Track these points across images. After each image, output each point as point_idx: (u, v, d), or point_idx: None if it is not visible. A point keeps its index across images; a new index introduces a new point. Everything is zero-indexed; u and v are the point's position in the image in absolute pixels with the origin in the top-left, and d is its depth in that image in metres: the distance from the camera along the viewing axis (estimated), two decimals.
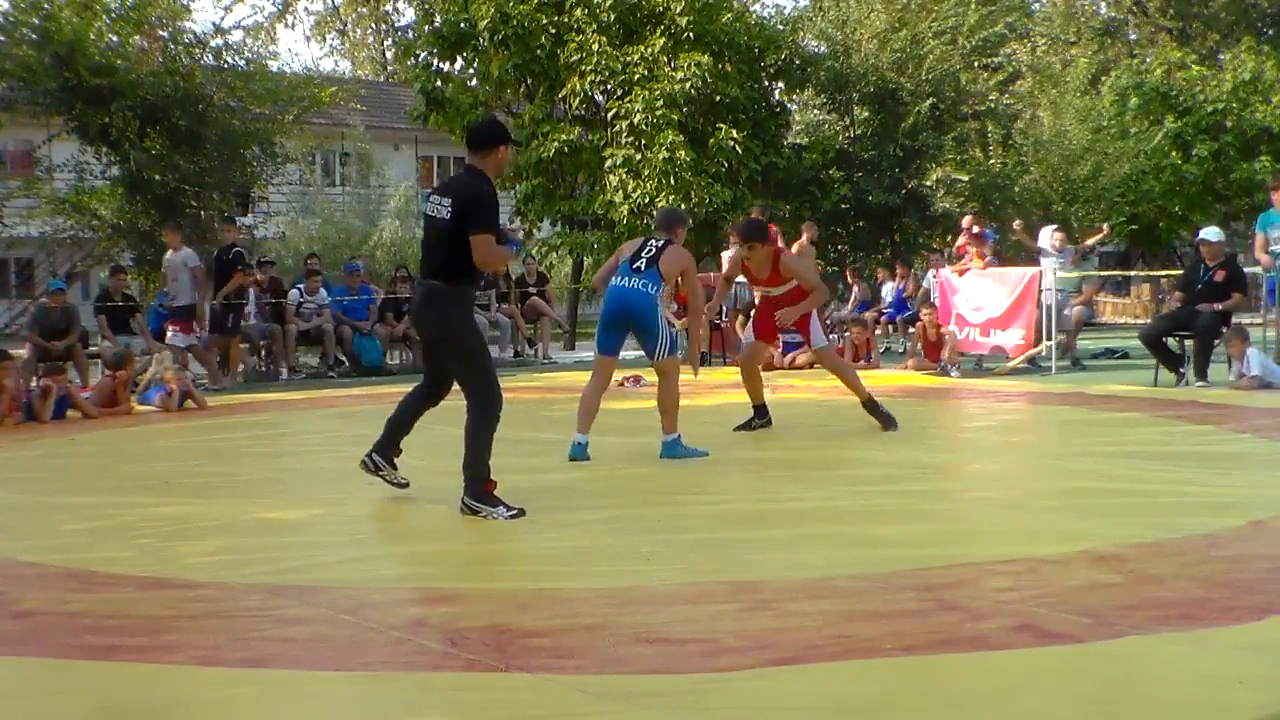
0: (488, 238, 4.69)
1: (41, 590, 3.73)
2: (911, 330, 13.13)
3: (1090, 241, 14.80)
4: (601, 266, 6.90)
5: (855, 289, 14.81)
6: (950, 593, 3.37)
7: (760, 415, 7.29)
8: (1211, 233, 9.95)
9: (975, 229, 13.46)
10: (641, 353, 6.62)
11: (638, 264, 6.21)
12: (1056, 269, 11.59)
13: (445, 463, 6.24)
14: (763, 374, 7.67)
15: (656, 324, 6.14)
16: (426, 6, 18.45)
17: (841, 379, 7.30)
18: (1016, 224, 13.80)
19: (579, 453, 6.05)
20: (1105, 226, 15.40)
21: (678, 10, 16.50)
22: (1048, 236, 12.24)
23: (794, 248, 13.84)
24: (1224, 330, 9.64)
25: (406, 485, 5.16)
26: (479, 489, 4.72)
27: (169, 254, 11.97)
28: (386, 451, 5.09)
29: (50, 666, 2.94)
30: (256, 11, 47.86)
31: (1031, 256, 13.27)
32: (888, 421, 7.03)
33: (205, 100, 16.31)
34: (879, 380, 10.95)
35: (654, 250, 6.23)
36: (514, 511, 4.67)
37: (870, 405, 7.11)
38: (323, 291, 13.46)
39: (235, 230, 12.86)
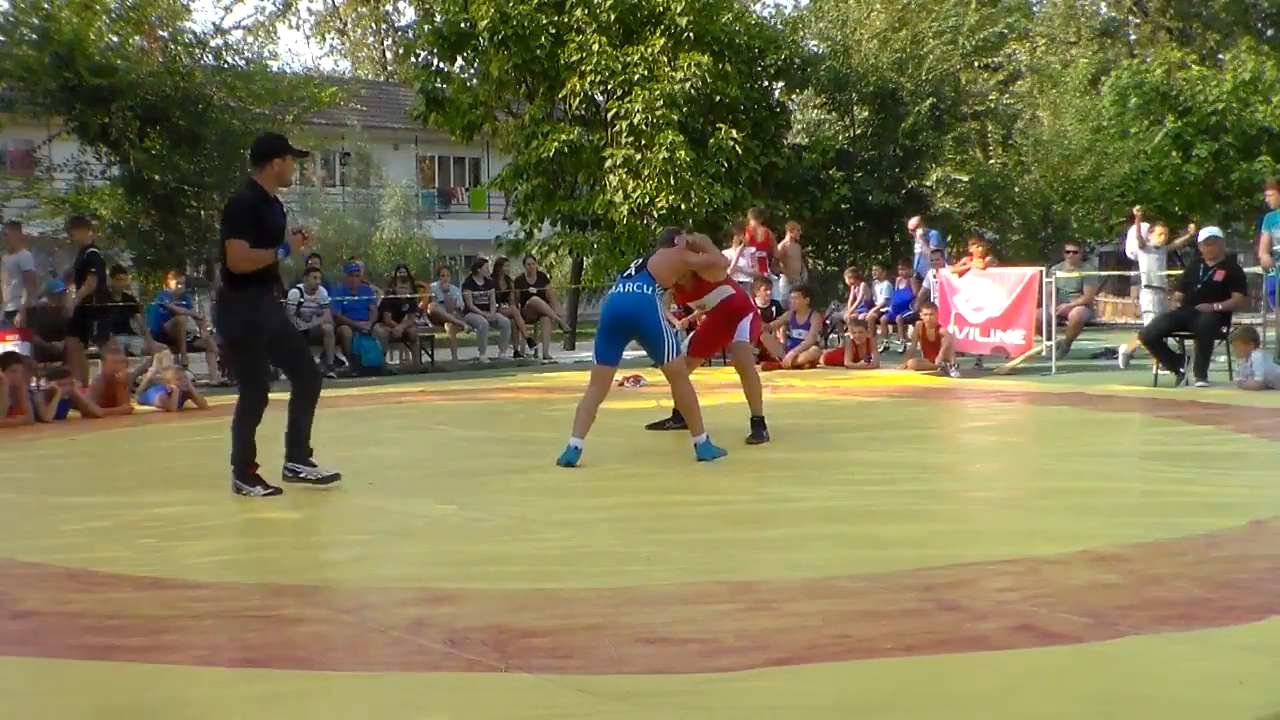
0: (236, 242, 5.11)
1: (41, 590, 3.73)
2: (910, 330, 13.13)
3: (1178, 241, 14.70)
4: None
5: (857, 289, 14.78)
6: (950, 593, 3.37)
7: (676, 419, 7.05)
8: (1211, 233, 9.95)
9: (919, 230, 13.72)
10: (641, 352, 6.60)
11: (629, 272, 6.33)
12: (1156, 266, 11.57)
13: (447, 463, 6.26)
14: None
15: (658, 325, 6.09)
16: (426, 6, 18.46)
17: (744, 382, 6.90)
18: (1189, 228, 13.40)
19: (571, 457, 5.88)
20: (1191, 226, 15.28)
21: (678, 10, 16.49)
22: (1148, 230, 12.14)
23: (780, 245, 13.94)
24: (1224, 330, 9.63)
25: (337, 477, 5.40)
26: (243, 472, 5.24)
27: (7, 255, 11.34)
28: (299, 457, 5.40)
29: (50, 666, 2.94)
30: (258, 12, 47.89)
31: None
32: (761, 438, 6.69)
33: (205, 100, 16.30)
34: (879, 380, 10.96)
35: (643, 259, 6.35)
36: (270, 490, 5.19)
37: (757, 421, 6.80)
38: (322, 291, 13.45)
39: (86, 230, 12.03)
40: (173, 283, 12.77)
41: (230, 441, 5.29)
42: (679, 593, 3.45)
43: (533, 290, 15.39)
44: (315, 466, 5.39)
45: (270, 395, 5.35)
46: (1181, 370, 9.67)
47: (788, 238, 14.23)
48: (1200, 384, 9.24)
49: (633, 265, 6.38)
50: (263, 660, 2.92)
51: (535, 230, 18.34)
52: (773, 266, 13.99)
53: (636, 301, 6.09)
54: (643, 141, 16.37)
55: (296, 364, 5.46)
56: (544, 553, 4.07)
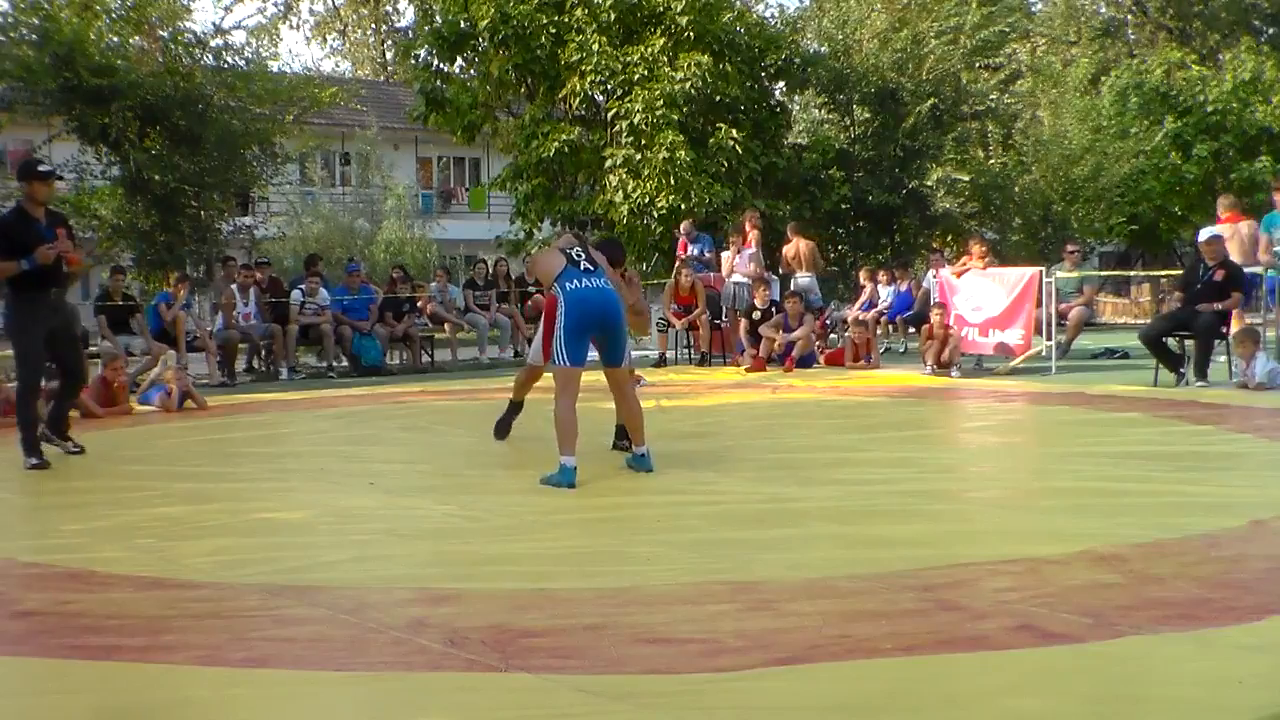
0: None
1: (41, 590, 3.72)
2: (913, 331, 13.11)
3: None
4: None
5: (865, 289, 14.76)
6: (950, 593, 3.37)
7: (514, 411, 6.99)
8: (1213, 232, 9.94)
9: (689, 234, 13.54)
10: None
11: (585, 265, 5.58)
12: None
13: (447, 463, 6.26)
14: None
15: (625, 326, 5.81)
16: (426, 6, 18.46)
17: (517, 383, 6.99)
18: None
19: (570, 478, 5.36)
20: None
21: (678, 10, 16.50)
22: None
23: (748, 241, 13.55)
24: (1224, 330, 9.63)
25: (82, 450, 6.69)
26: (27, 441, 6.27)
27: None
28: (58, 429, 6.74)
29: (50, 666, 2.94)
30: (259, 12, 47.93)
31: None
32: (502, 431, 6.91)
33: (205, 100, 16.32)
34: (879, 380, 10.96)
35: (586, 251, 5.71)
36: (35, 462, 6.19)
37: (514, 407, 6.93)
38: (323, 292, 13.45)
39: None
40: (173, 283, 12.78)
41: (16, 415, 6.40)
42: (679, 593, 3.45)
43: (533, 290, 15.38)
44: (70, 441, 6.74)
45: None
46: (1181, 370, 9.67)
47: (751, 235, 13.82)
48: (1200, 384, 9.24)
49: (580, 257, 5.59)
50: (263, 660, 2.91)
51: (535, 230, 18.34)
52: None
53: (615, 301, 5.62)
54: (643, 141, 16.38)
55: (67, 361, 6.62)
56: (544, 553, 4.07)
